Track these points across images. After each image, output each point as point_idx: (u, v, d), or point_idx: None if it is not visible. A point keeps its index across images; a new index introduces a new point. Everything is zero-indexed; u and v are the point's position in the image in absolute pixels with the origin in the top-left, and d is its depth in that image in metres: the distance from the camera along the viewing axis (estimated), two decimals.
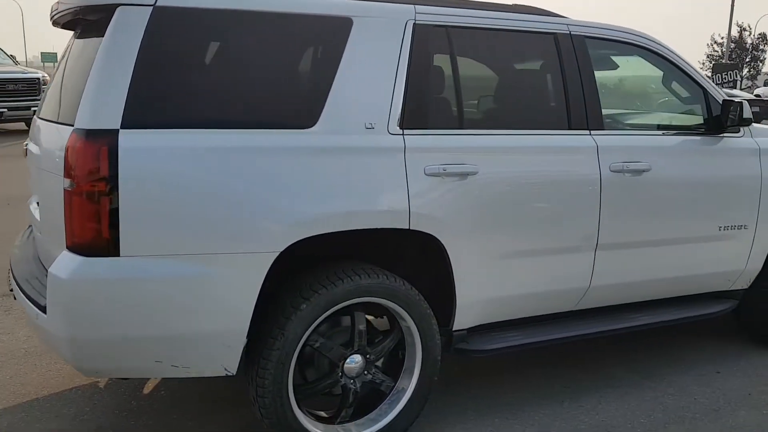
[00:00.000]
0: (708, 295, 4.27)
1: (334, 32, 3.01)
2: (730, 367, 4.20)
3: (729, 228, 4.02)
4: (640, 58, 3.99)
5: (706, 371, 4.14)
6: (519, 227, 3.36)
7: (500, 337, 3.51)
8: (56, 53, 29.61)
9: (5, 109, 15.00)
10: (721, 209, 3.99)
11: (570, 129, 3.54)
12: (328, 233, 2.89)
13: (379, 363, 3.25)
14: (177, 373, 2.78)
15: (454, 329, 3.36)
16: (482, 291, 3.34)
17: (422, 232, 3.09)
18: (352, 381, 3.10)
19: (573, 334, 3.68)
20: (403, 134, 3.07)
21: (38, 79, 15.75)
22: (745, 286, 4.28)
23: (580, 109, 3.56)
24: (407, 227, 3.03)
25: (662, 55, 3.93)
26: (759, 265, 4.23)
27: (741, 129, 4.08)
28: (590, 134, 3.57)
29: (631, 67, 4.21)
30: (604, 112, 3.75)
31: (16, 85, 15.19)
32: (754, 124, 4.29)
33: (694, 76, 4.00)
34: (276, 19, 2.89)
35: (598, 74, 3.72)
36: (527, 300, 3.55)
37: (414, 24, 3.18)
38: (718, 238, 4.01)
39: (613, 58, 4.23)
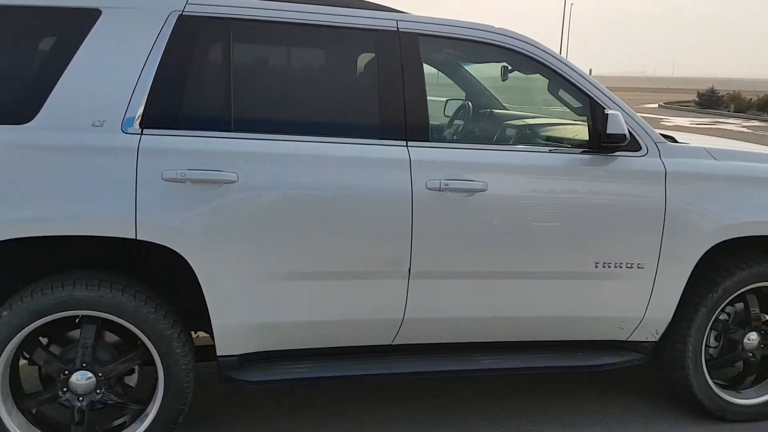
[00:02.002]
0: (610, 343, 3.55)
1: (71, 24, 2.81)
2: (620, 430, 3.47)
3: (612, 266, 3.31)
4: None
5: None
6: (296, 246, 2.95)
7: (282, 368, 3.11)
8: None
9: None
10: (599, 242, 3.29)
11: (381, 138, 3.07)
12: (47, 237, 2.71)
13: (132, 383, 3.02)
14: None
15: (218, 355, 3.03)
16: (251, 314, 2.97)
17: (156, 243, 2.80)
18: (79, 398, 2.88)
19: (383, 372, 3.21)
20: (141, 134, 2.80)
21: None
22: (652, 339, 3.51)
23: (397, 117, 3.08)
24: (133, 237, 2.76)
25: (534, 58, 3.30)
26: (667, 315, 3.44)
27: (645, 146, 3.35)
28: (407, 145, 3.07)
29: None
30: (457, 122, 3.24)
31: None
32: (674, 142, 3.53)
33: (577, 83, 3.32)
34: None
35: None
36: (322, 329, 3.12)
37: (181, 15, 2.90)
38: (595, 276, 3.31)
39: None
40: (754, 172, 3.48)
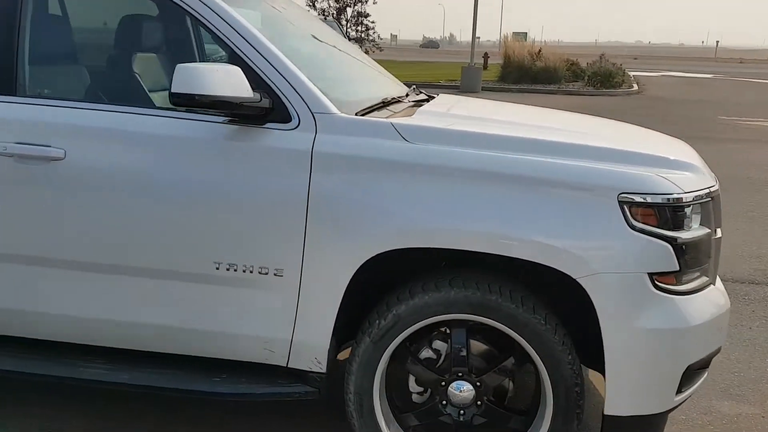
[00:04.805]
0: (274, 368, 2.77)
1: None
2: None
3: (240, 269, 2.57)
4: None
5: None
6: None
7: None
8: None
9: None
10: (219, 238, 2.57)
11: None
12: None
13: None
14: None
15: None
16: None
17: None
18: None
19: None
20: None
21: None
22: (318, 369, 2.67)
23: None
24: None
25: None
26: (322, 340, 2.60)
27: (297, 117, 2.55)
28: None
29: None
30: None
31: None
32: (345, 112, 2.64)
33: (214, 27, 2.61)
34: None
35: None
36: None
37: None
38: (219, 281, 2.60)
39: None
40: (461, 162, 2.48)
